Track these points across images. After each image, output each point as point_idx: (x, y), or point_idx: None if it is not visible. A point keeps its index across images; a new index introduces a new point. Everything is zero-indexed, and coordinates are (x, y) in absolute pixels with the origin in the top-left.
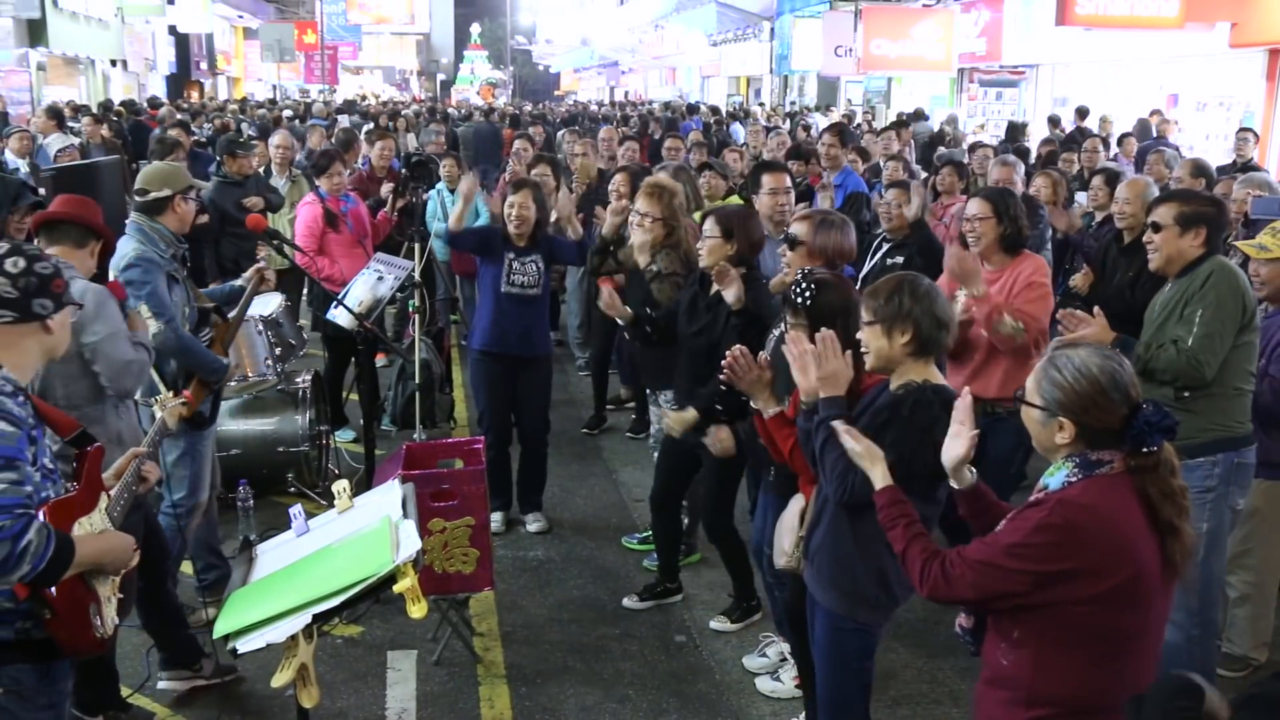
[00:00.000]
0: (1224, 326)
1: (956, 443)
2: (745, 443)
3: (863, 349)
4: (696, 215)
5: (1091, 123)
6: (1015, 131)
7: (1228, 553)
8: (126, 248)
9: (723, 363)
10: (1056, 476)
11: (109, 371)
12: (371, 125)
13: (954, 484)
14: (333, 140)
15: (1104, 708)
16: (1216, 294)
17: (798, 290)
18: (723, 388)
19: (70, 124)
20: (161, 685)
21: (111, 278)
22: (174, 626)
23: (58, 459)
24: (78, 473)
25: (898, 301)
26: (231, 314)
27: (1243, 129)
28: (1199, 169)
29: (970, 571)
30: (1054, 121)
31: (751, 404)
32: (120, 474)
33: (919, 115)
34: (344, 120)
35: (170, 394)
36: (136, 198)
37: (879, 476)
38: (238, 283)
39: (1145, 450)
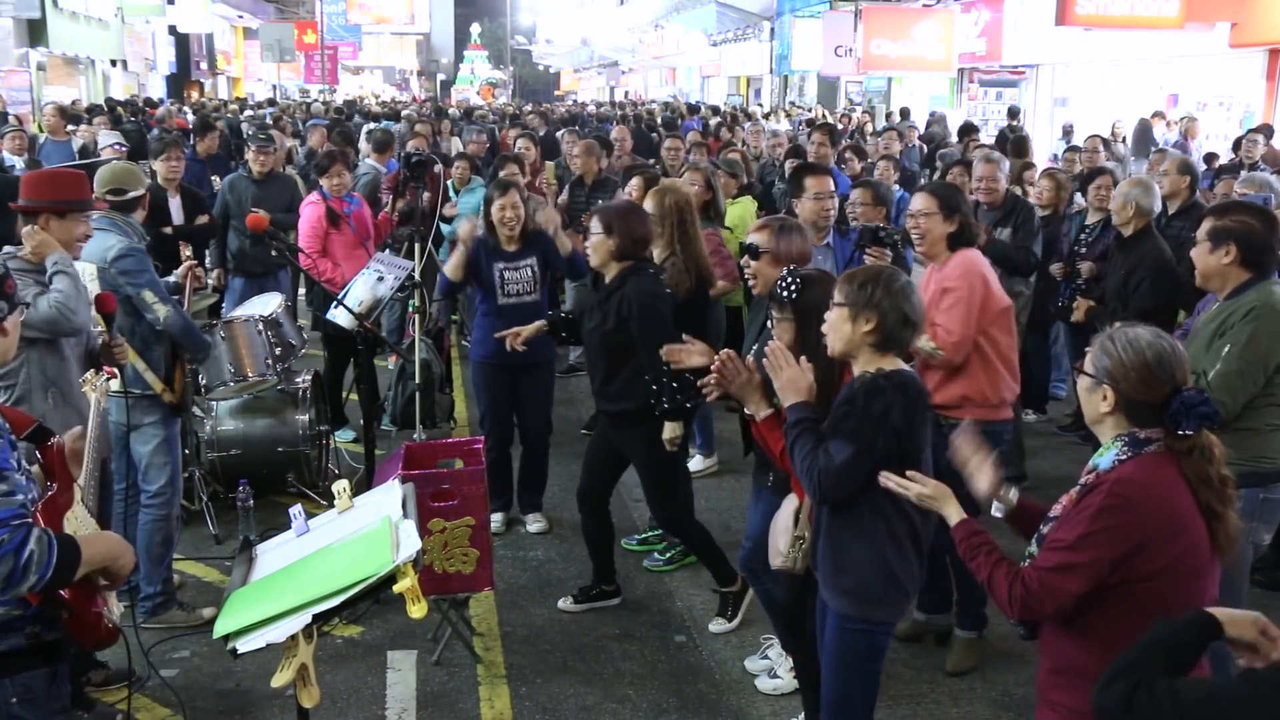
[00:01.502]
0: (1251, 367)
1: (979, 477)
2: (751, 447)
3: (825, 329)
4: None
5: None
6: (969, 130)
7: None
8: (110, 240)
9: (714, 366)
10: (1106, 456)
11: (69, 319)
12: (371, 126)
13: (996, 513)
14: (366, 141)
15: None
16: (1252, 331)
17: (784, 285)
18: (672, 383)
19: (71, 125)
20: None
21: (85, 280)
22: None
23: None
24: (48, 469)
25: (869, 290)
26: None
27: (1253, 130)
28: (1184, 167)
29: (1050, 579)
30: (1014, 113)
31: (745, 408)
32: (77, 456)
33: (905, 115)
34: (382, 123)
35: (94, 374)
36: (110, 196)
37: (952, 513)
38: (171, 279)
39: (1181, 433)
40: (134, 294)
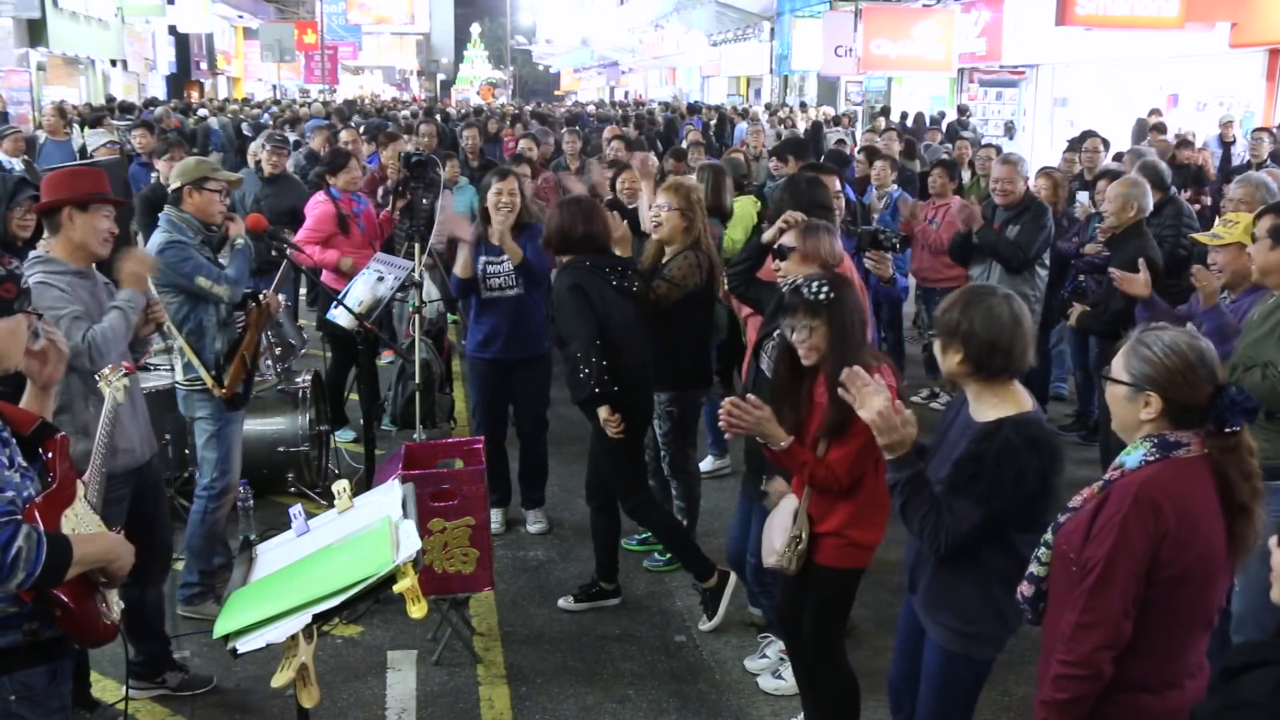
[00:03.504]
0: None
1: None
2: (747, 456)
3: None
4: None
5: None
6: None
7: None
8: (157, 238)
9: (720, 413)
10: (1134, 455)
11: (93, 361)
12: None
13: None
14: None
15: (1172, 682)
16: None
17: (814, 290)
18: (584, 369)
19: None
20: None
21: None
22: (149, 636)
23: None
24: (48, 465)
25: (949, 317)
26: (264, 297)
27: (1257, 129)
28: (1147, 169)
29: (1103, 602)
30: (962, 110)
31: (757, 439)
32: (43, 355)
33: (885, 114)
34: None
35: (110, 370)
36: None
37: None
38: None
39: (1227, 431)
40: (188, 284)
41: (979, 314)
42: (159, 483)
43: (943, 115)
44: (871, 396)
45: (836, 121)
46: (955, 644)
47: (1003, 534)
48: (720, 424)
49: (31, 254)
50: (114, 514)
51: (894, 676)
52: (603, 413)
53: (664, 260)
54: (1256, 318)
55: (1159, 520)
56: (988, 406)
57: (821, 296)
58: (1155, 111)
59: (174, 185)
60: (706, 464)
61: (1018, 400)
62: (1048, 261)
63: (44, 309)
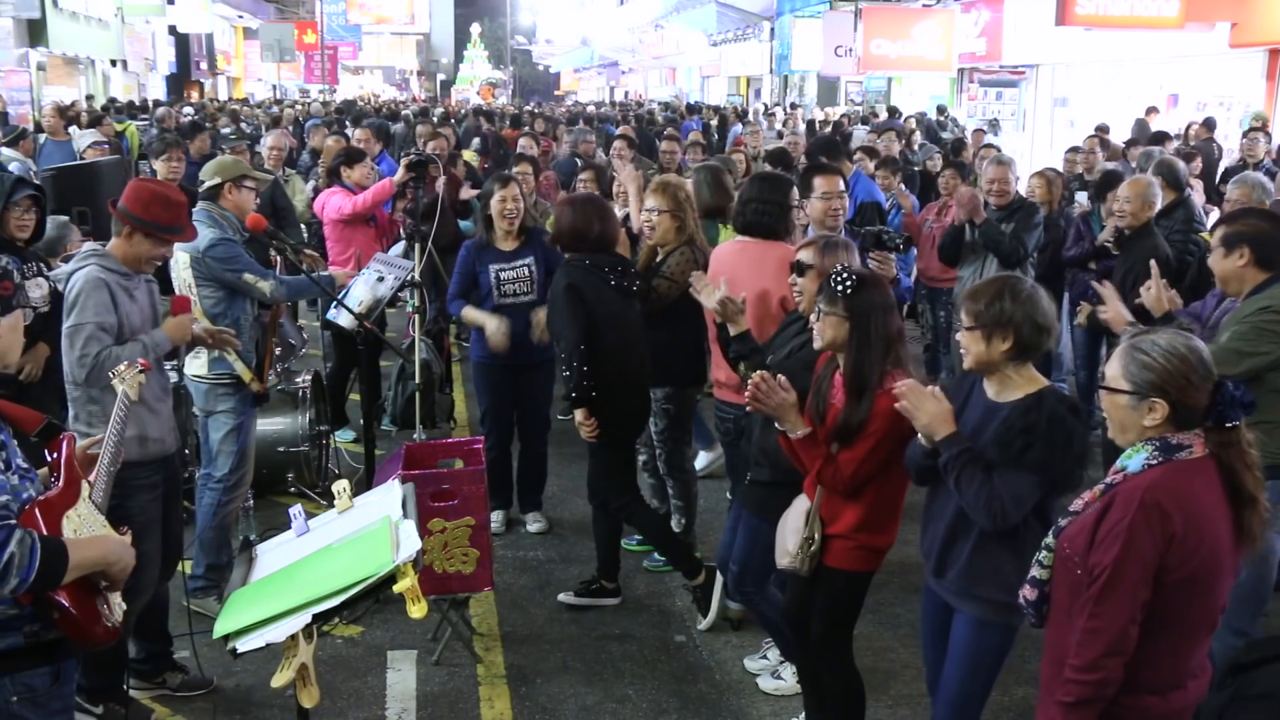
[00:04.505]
0: (1254, 345)
1: None
2: (728, 458)
3: (961, 350)
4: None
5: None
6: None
7: None
8: (203, 233)
9: (748, 386)
10: (1136, 459)
11: (68, 360)
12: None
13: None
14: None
15: (1176, 684)
16: (1261, 317)
17: (840, 280)
18: (565, 371)
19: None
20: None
21: (180, 270)
22: (152, 634)
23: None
24: (53, 466)
25: (999, 307)
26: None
27: (1252, 129)
28: (1163, 167)
29: (1112, 609)
30: (941, 110)
31: (777, 424)
32: (90, 462)
33: (892, 114)
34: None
35: (125, 366)
36: (200, 189)
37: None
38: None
39: (1228, 425)
40: (234, 279)
41: (1026, 301)
42: (179, 477)
43: (924, 115)
44: (925, 402)
45: (865, 120)
46: (992, 614)
47: (1042, 502)
48: (745, 395)
49: (87, 245)
50: (151, 500)
51: (931, 676)
52: (579, 415)
53: (658, 260)
54: (1225, 324)
55: (1165, 524)
56: (1015, 388)
57: (840, 289)
58: (1153, 110)
59: (213, 181)
60: (701, 461)
61: (1038, 378)
62: (1034, 258)
63: (88, 307)
